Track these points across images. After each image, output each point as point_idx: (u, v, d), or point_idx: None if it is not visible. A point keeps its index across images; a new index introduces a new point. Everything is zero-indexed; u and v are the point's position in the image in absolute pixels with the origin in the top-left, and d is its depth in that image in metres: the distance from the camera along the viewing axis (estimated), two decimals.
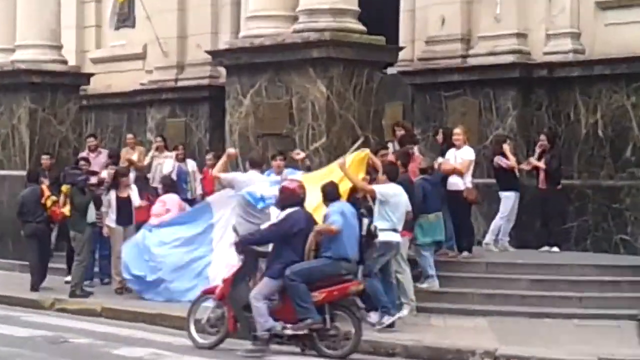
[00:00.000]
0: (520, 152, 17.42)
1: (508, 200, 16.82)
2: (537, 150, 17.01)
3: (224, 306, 12.58)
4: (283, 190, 13.03)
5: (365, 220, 13.20)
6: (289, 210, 12.75)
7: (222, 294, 12.57)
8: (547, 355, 11.52)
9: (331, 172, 14.05)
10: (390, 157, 15.39)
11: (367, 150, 14.01)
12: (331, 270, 12.24)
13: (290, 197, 12.76)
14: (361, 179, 13.70)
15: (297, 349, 12.15)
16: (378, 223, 13.03)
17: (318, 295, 11.91)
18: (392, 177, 13.47)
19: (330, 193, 12.95)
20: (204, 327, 12.65)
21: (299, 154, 15.62)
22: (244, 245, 13.16)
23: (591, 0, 17.61)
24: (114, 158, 19.41)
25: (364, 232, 13.10)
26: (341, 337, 11.98)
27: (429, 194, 14.55)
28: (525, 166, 17.00)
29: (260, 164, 15.63)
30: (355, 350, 12.01)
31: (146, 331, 14.11)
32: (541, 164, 16.77)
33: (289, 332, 11.88)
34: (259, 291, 12.17)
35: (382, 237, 12.97)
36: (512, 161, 16.65)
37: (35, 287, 17.47)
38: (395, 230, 13.16)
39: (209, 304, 12.84)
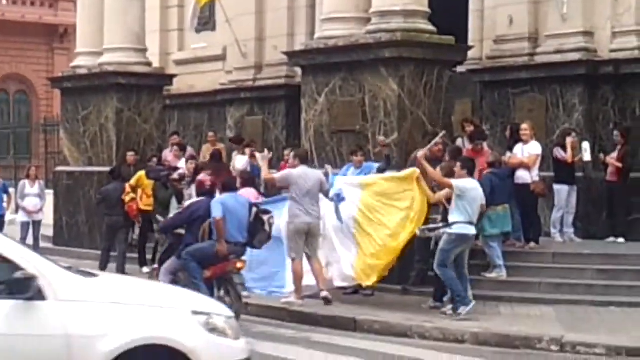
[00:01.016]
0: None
1: (560, 192, 16.76)
2: (620, 147, 16.90)
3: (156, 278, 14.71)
4: (197, 183, 15.60)
5: (266, 217, 14.33)
6: (192, 200, 15.16)
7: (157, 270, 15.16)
8: (613, 342, 11.48)
9: (406, 177, 14.19)
10: (485, 151, 15.65)
11: (416, 172, 13.79)
12: (212, 251, 13.50)
13: (200, 188, 14.98)
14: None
15: None
16: (455, 215, 13.09)
17: (207, 273, 13.46)
18: (469, 169, 13.48)
19: (226, 185, 14.67)
20: None
21: (384, 140, 15.75)
22: (163, 230, 15.76)
23: None
24: (194, 157, 19.58)
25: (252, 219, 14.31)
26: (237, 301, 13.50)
27: (496, 187, 14.55)
28: (607, 161, 16.91)
29: (307, 159, 15.80)
30: (238, 317, 11.97)
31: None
32: (617, 163, 16.68)
33: None
34: (166, 268, 14.12)
35: (458, 229, 13.01)
36: (568, 155, 16.55)
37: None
38: (471, 223, 13.14)
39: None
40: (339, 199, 14.71)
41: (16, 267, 6.13)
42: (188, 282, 13.28)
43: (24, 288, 6.01)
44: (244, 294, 14.35)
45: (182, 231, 14.38)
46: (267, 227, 14.59)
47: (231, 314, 7.32)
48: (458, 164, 13.55)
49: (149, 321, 6.53)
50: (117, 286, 7.39)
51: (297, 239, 14.58)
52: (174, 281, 13.55)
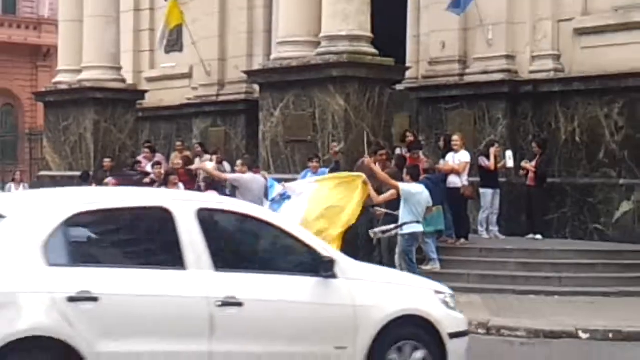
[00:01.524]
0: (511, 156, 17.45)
1: (486, 195, 16.83)
2: (535, 155, 17.08)
3: None
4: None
5: None
6: None
7: None
8: (532, 326, 11.75)
9: (350, 179, 14.16)
10: (421, 159, 15.76)
11: (363, 176, 13.36)
12: None
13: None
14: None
15: None
16: (404, 217, 13.14)
17: None
18: (415, 177, 13.58)
19: None
20: None
21: (336, 147, 15.92)
22: None
23: (569, 27, 17.59)
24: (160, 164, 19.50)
25: None
26: None
27: (431, 190, 14.57)
28: (526, 167, 17.07)
29: (251, 166, 16.20)
30: None
31: None
32: (532, 167, 16.82)
33: None
34: None
35: (408, 229, 13.12)
36: (491, 163, 16.66)
37: None
38: (418, 222, 13.22)
39: None
40: (282, 198, 14.71)
41: (314, 252, 7.12)
42: None
43: (327, 268, 6.91)
44: None
45: None
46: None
47: (453, 292, 8.12)
48: (405, 170, 13.76)
49: (409, 297, 7.62)
50: (380, 270, 8.42)
51: None
52: None
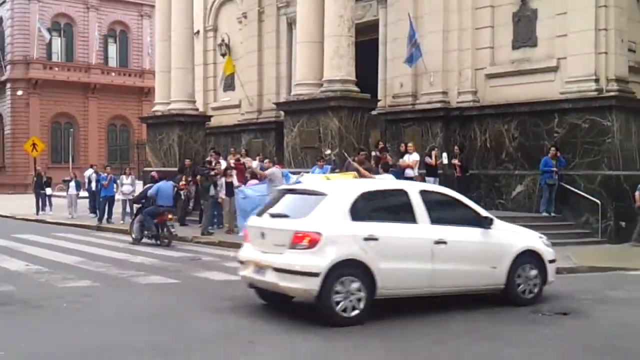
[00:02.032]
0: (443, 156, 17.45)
1: (429, 182, 16.53)
2: (457, 155, 17.07)
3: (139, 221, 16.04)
4: (150, 177, 17.99)
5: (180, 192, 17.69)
6: (149, 185, 16.94)
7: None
8: None
9: (345, 175, 14.18)
10: (388, 159, 15.67)
11: (354, 172, 13.60)
12: (156, 210, 15.43)
13: (151, 179, 17.40)
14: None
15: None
16: None
17: (157, 220, 15.49)
18: (386, 170, 13.56)
19: (161, 178, 16.78)
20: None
21: (329, 152, 15.88)
22: (135, 200, 17.78)
23: (482, 73, 17.54)
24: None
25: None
26: (166, 237, 15.38)
27: (395, 179, 14.66)
28: (451, 162, 17.07)
29: (277, 163, 17.04)
30: (170, 243, 15.36)
31: None
32: (458, 163, 16.80)
33: (148, 233, 15.62)
34: (137, 218, 16.25)
35: None
36: (432, 161, 16.70)
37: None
38: None
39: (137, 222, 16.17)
40: (296, 183, 14.84)
41: (479, 214, 8.43)
42: (148, 224, 15.68)
43: (487, 223, 8.27)
44: (173, 230, 15.91)
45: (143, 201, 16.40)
46: (182, 197, 18.43)
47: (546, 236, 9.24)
48: (380, 166, 13.82)
49: (527, 239, 8.74)
50: (511, 225, 8.96)
51: None
52: (142, 223, 15.87)
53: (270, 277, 7.43)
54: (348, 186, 8.88)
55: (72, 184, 23.61)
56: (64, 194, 25.76)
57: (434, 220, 7.97)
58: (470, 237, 8.21)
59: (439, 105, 17.99)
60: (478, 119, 17.53)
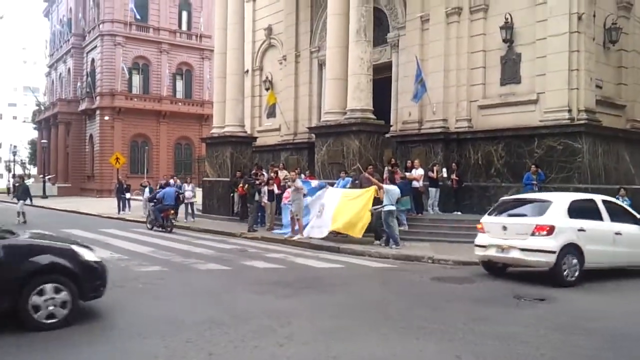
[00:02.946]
0: (442, 171, 17.34)
1: (431, 191, 16.82)
2: (454, 171, 16.99)
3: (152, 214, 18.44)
4: (163, 184, 21.00)
5: (181, 196, 19.90)
6: (159, 189, 19.86)
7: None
8: (457, 259, 11.68)
9: (363, 193, 14.25)
10: (399, 173, 15.70)
11: (374, 187, 13.92)
12: (163, 208, 18.00)
13: (164, 184, 20.43)
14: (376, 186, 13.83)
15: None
16: (386, 201, 13.12)
17: (163, 215, 17.92)
18: (392, 182, 13.66)
19: (166, 185, 20.14)
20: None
21: (343, 172, 15.87)
22: (152, 199, 19.17)
23: (476, 104, 17.42)
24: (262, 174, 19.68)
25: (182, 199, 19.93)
26: (169, 225, 17.78)
27: (403, 188, 14.63)
28: (450, 176, 17.01)
29: (301, 174, 17.53)
30: (172, 230, 17.68)
31: (280, 246, 14.14)
32: (455, 177, 16.77)
33: (156, 223, 17.86)
34: (150, 213, 18.51)
35: (387, 208, 13.09)
36: (434, 175, 16.67)
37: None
38: (392, 204, 13.13)
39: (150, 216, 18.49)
40: (320, 188, 15.82)
41: (635, 217, 10.02)
42: (157, 217, 18.05)
43: None
44: (174, 221, 18.37)
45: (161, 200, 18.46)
46: (181, 199, 20.07)
47: None
48: (388, 179, 13.96)
49: None
50: None
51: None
52: (155, 216, 18.15)
53: (515, 254, 9.18)
54: (564, 196, 10.13)
55: (147, 189, 23.96)
56: (140, 197, 26.16)
57: (612, 219, 9.66)
58: (633, 231, 9.82)
59: (440, 130, 17.91)
60: (472, 141, 17.41)
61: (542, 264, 9.04)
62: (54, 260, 6.17)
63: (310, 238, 14.69)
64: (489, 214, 10.20)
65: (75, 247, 6.59)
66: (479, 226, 10.26)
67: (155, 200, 18.69)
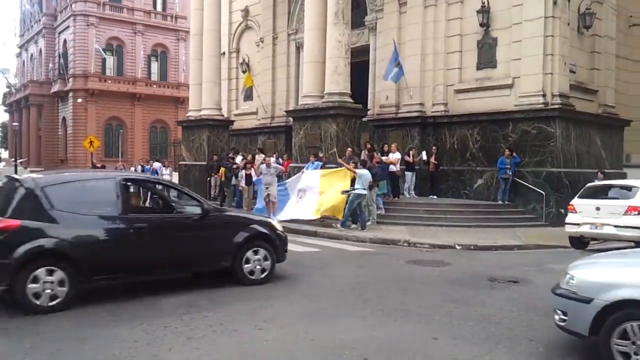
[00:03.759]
0: (419, 154, 17.45)
1: (407, 175, 16.84)
2: (434, 155, 17.08)
3: None
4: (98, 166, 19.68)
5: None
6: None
7: None
8: (432, 242, 11.77)
9: (339, 171, 14.25)
10: (376, 157, 15.55)
11: (343, 167, 14.01)
12: None
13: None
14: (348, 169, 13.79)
15: None
16: (357, 185, 13.13)
17: None
18: (364, 166, 13.60)
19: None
20: None
21: (319, 153, 15.77)
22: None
23: (452, 88, 17.52)
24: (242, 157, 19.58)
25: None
26: None
27: (380, 172, 14.68)
28: (429, 160, 17.08)
29: (278, 157, 17.53)
30: None
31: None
32: (434, 161, 16.89)
33: None
34: None
35: (358, 191, 13.11)
36: (411, 159, 16.67)
37: None
38: (364, 189, 13.16)
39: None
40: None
41: None
42: None
43: None
44: None
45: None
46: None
47: None
48: (359, 163, 13.79)
49: None
50: None
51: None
52: None
53: (610, 230, 10.50)
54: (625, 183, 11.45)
55: None
56: None
57: None
58: None
59: (416, 114, 17.99)
60: (448, 125, 17.53)
61: (635, 238, 10.19)
62: (260, 230, 7.81)
63: (289, 222, 14.65)
64: (579, 197, 11.49)
65: (271, 220, 8.45)
66: (570, 207, 11.50)
67: None
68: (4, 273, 5.88)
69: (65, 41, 46.93)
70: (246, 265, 7.53)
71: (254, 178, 16.63)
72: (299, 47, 22.23)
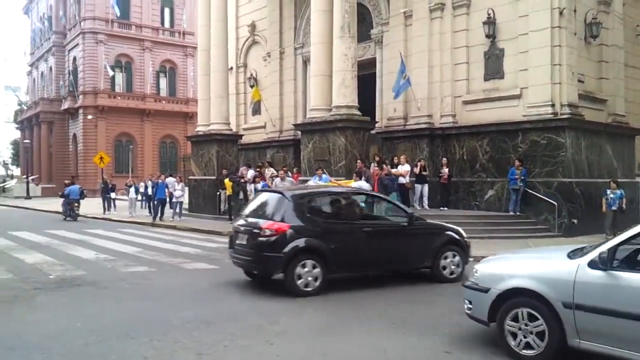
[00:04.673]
0: (430, 166, 17.40)
1: (418, 188, 16.69)
2: (444, 166, 17.00)
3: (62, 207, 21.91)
4: (65, 182, 23.72)
5: (85, 192, 23.84)
6: (66, 187, 23.22)
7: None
8: None
9: (347, 181, 14.30)
10: (386, 169, 15.66)
11: (351, 180, 14.10)
12: (69, 201, 22.00)
13: (66, 185, 23.88)
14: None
15: None
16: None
17: (69, 207, 22.05)
18: (360, 177, 13.73)
19: (71, 184, 23.70)
20: None
21: (319, 169, 15.55)
22: (62, 195, 22.72)
23: (460, 100, 17.53)
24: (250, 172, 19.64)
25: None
26: (73, 215, 21.99)
27: (389, 184, 14.68)
28: (442, 172, 16.94)
29: (287, 171, 17.22)
30: (77, 219, 21.44)
31: None
32: (446, 173, 16.79)
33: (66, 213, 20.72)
34: (62, 204, 21.88)
35: None
36: (419, 169, 16.52)
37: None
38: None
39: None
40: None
41: None
42: (65, 209, 22.19)
43: None
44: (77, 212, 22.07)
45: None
46: (84, 194, 23.90)
47: None
48: (356, 175, 13.92)
49: None
50: None
51: None
52: (64, 209, 22.15)
53: None
54: None
55: (132, 189, 23.79)
56: (126, 197, 25.94)
57: None
58: None
59: (425, 125, 17.98)
60: (457, 137, 17.50)
61: None
62: (453, 236, 9.09)
63: None
64: None
65: (459, 228, 9.41)
66: None
67: (65, 196, 22.49)
68: (279, 264, 7.66)
69: (74, 58, 47.53)
70: (442, 266, 8.83)
71: None
72: (305, 61, 22.36)
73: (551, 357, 4.71)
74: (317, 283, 7.78)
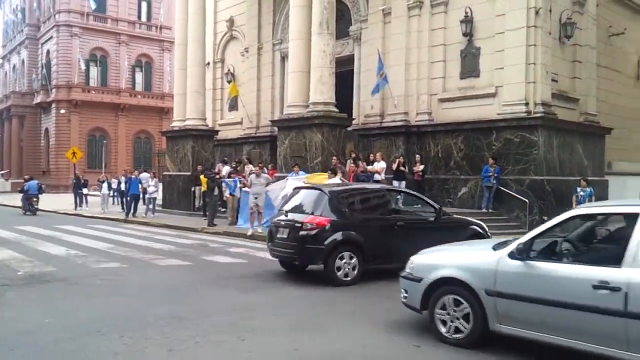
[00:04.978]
0: (406, 163, 17.46)
1: (396, 185, 16.46)
2: (418, 163, 17.04)
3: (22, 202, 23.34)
4: (24, 177, 24.62)
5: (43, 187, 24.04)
6: (25, 182, 23.70)
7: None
8: None
9: (320, 175, 14.25)
10: (361, 166, 15.70)
11: (325, 174, 13.97)
12: (28, 196, 22.42)
13: (26, 180, 24.74)
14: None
15: None
16: None
17: (28, 202, 22.48)
18: (334, 174, 13.56)
19: (30, 179, 24.14)
20: None
21: (295, 166, 15.44)
22: (21, 190, 23.59)
23: (436, 97, 17.64)
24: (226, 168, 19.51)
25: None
26: (32, 210, 22.20)
27: (365, 181, 14.64)
28: (415, 169, 16.88)
29: (264, 167, 17.04)
30: (36, 213, 21.72)
31: (242, 240, 13.81)
32: (420, 170, 16.77)
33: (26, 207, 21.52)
34: (22, 199, 22.64)
35: None
36: (397, 165, 16.49)
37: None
38: None
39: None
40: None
41: None
42: (25, 204, 22.65)
43: None
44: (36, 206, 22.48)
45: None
46: (43, 189, 23.89)
47: None
48: (330, 172, 13.81)
49: None
50: None
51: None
52: (24, 204, 22.75)
53: None
54: None
55: (105, 185, 23.44)
56: (98, 193, 25.54)
57: None
58: None
59: (401, 123, 18.05)
60: (432, 134, 17.61)
61: None
62: (477, 230, 9.42)
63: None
64: None
65: (482, 223, 9.77)
66: None
67: (24, 191, 23.02)
68: (320, 255, 8.19)
69: (48, 52, 46.57)
70: None
71: (244, 188, 16.52)
72: (284, 57, 22.26)
73: (477, 338, 5.04)
74: (355, 272, 8.24)
